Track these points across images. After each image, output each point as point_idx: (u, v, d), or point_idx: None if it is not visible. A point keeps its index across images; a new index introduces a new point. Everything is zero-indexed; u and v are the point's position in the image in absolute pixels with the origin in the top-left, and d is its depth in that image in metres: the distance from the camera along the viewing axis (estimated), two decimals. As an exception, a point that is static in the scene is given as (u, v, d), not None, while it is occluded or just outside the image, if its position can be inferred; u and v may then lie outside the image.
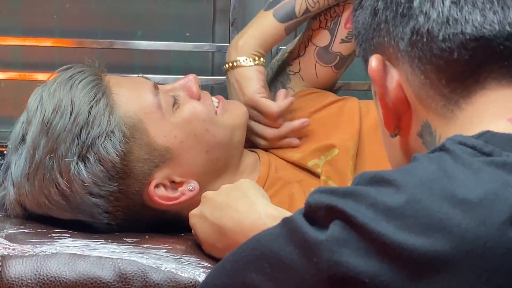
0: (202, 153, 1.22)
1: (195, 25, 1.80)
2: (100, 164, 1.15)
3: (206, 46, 1.76)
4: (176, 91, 1.27)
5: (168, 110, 1.22)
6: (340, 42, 1.42)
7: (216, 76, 1.76)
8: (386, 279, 0.57)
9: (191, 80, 1.28)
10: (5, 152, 1.55)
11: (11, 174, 1.21)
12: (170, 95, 1.25)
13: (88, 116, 1.16)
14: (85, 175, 1.14)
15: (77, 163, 1.15)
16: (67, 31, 1.76)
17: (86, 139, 1.15)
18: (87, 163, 1.15)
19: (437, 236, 0.57)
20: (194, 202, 1.16)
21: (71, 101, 1.18)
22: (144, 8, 1.79)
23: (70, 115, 1.16)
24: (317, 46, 1.43)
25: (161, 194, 1.19)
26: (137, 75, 1.65)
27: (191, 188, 1.20)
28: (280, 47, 1.66)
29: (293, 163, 1.33)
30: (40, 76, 1.69)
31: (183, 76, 1.30)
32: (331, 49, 1.43)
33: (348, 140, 1.32)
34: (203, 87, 1.73)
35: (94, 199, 1.15)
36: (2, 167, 1.26)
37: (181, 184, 1.20)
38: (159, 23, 1.80)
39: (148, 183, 1.18)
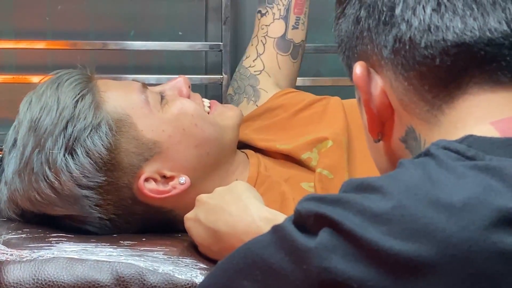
0: (191, 147, 1.23)
1: (188, 24, 1.79)
2: (88, 156, 1.17)
3: (199, 45, 1.75)
4: (165, 91, 1.28)
5: (156, 106, 1.24)
6: (292, 29, 1.46)
7: (210, 75, 1.76)
8: (374, 283, 0.57)
9: (179, 81, 1.30)
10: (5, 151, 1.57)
11: (4, 176, 1.22)
12: (158, 93, 1.27)
13: (74, 110, 1.19)
14: (73, 167, 1.16)
15: (64, 155, 1.17)
16: (60, 33, 1.75)
17: (72, 132, 1.18)
18: (74, 155, 1.17)
19: (423, 241, 0.57)
20: (187, 200, 1.17)
21: (57, 98, 1.20)
22: (136, 8, 1.78)
23: (56, 111, 1.19)
24: (274, 38, 1.47)
25: (151, 188, 1.19)
26: (130, 76, 1.69)
27: (182, 181, 1.20)
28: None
29: (283, 159, 1.33)
30: (34, 79, 1.67)
31: (176, 76, 1.31)
32: (286, 37, 1.47)
33: (340, 134, 1.32)
34: (197, 86, 1.75)
35: (83, 190, 1.17)
36: None
37: (172, 178, 1.21)
38: (152, 22, 1.79)
39: (137, 176, 1.19)
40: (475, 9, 0.68)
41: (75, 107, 1.19)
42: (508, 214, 0.57)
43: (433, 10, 0.69)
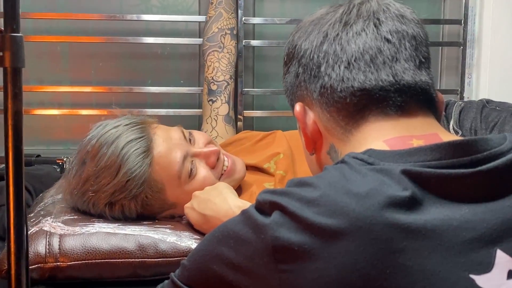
0: None
1: (187, 75, 1.79)
2: (121, 211, 1.10)
3: (194, 89, 1.75)
4: (200, 157, 1.15)
5: (185, 179, 1.12)
6: (232, 109, 1.57)
7: (201, 109, 1.73)
8: (309, 246, 0.57)
9: (214, 153, 1.16)
10: (64, 160, 1.56)
11: (68, 178, 1.13)
12: (190, 164, 1.13)
13: (125, 184, 1.07)
14: (107, 215, 1.10)
15: (105, 205, 1.09)
16: (101, 81, 1.75)
17: (117, 196, 1.08)
18: (111, 208, 1.10)
19: (340, 217, 0.57)
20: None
21: (120, 166, 1.07)
22: (152, 65, 1.78)
23: (116, 175, 1.07)
24: (223, 116, 1.56)
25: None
26: (148, 110, 1.69)
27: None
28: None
29: (252, 169, 1.31)
30: (83, 112, 1.69)
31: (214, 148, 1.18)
32: (229, 114, 1.57)
33: (286, 150, 1.31)
34: (193, 116, 1.76)
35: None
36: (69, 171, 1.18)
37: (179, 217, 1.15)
38: (163, 74, 1.79)
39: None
40: (372, 67, 0.68)
41: (127, 181, 1.07)
42: (395, 199, 0.57)
43: (345, 67, 0.69)
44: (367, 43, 0.68)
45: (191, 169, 1.13)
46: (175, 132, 1.15)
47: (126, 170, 1.07)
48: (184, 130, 1.18)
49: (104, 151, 1.08)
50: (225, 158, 1.20)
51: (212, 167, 1.16)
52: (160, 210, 1.14)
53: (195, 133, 1.20)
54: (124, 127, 1.10)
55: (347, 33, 0.69)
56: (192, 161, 1.14)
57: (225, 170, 1.19)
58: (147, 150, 1.09)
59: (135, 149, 1.08)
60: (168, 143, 1.12)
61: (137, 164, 1.07)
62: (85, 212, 1.12)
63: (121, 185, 1.07)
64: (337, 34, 0.70)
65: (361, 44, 0.69)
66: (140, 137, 1.09)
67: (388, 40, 0.69)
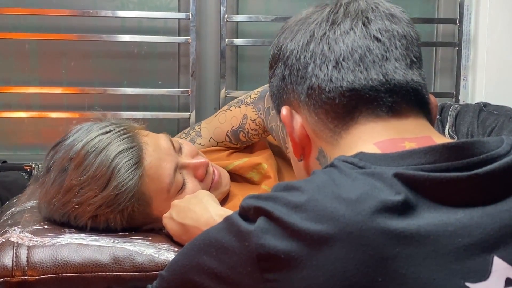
0: None
1: (165, 76, 1.79)
2: (106, 223, 1.09)
3: (173, 91, 1.74)
4: (189, 169, 1.15)
5: (173, 194, 1.11)
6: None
7: (181, 112, 1.76)
8: (296, 254, 0.58)
9: (203, 164, 1.16)
10: (33, 166, 1.54)
11: (45, 185, 1.10)
12: (182, 177, 1.13)
13: (115, 197, 1.06)
14: (89, 226, 1.08)
15: (88, 218, 1.07)
16: (73, 82, 1.74)
17: (103, 209, 1.06)
18: (95, 220, 1.08)
19: (329, 223, 0.57)
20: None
21: (110, 178, 1.05)
22: (128, 64, 1.78)
23: (105, 188, 1.05)
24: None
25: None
26: (124, 113, 1.68)
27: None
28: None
29: (235, 175, 1.31)
30: (53, 115, 1.68)
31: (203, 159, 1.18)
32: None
33: (269, 158, 1.31)
34: (171, 120, 1.76)
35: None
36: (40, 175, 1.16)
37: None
38: (139, 75, 1.79)
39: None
40: (361, 66, 0.69)
41: (117, 194, 1.05)
42: (387, 204, 0.58)
43: (333, 67, 0.70)
44: (356, 42, 0.69)
45: (184, 184, 1.12)
46: (164, 141, 1.14)
47: (117, 183, 1.05)
48: (172, 139, 1.17)
49: (92, 160, 1.05)
50: (215, 173, 1.19)
51: (201, 180, 1.16)
52: (141, 224, 1.13)
53: (182, 142, 1.20)
54: (114, 134, 1.08)
55: (334, 32, 0.70)
56: (181, 173, 1.14)
57: (212, 182, 1.19)
58: (139, 162, 1.07)
59: (127, 161, 1.06)
60: (158, 153, 1.11)
61: (128, 177, 1.06)
62: (62, 223, 1.10)
63: (110, 199, 1.05)
64: (324, 33, 0.71)
65: (349, 43, 0.69)
66: (131, 147, 1.07)
67: (377, 39, 0.70)
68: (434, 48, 1.90)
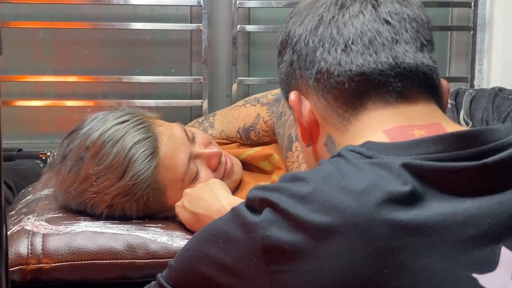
0: None
1: (178, 64, 1.79)
2: (122, 212, 1.10)
3: (185, 78, 1.74)
4: (202, 158, 1.16)
5: (187, 183, 1.13)
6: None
7: (193, 100, 1.76)
8: (301, 245, 0.58)
9: (216, 155, 1.17)
10: (48, 154, 1.56)
11: (61, 173, 1.12)
12: (195, 167, 1.14)
13: (132, 186, 1.07)
14: (104, 215, 1.09)
15: (105, 207, 1.09)
16: (86, 70, 1.74)
17: (120, 198, 1.08)
18: (111, 209, 1.10)
19: (335, 214, 0.57)
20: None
21: (127, 168, 1.06)
22: (141, 52, 1.78)
23: (121, 177, 1.06)
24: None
25: None
26: (137, 101, 1.68)
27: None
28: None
29: (247, 165, 1.31)
30: (68, 103, 1.69)
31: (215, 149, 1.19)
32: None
33: (279, 150, 1.31)
34: (184, 108, 1.76)
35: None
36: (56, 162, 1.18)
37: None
38: (152, 63, 1.78)
39: None
40: (371, 49, 0.69)
41: (133, 184, 1.07)
42: (394, 195, 0.58)
43: (342, 50, 0.69)
44: (365, 25, 0.69)
45: (197, 173, 1.14)
46: (178, 131, 1.15)
47: (134, 174, 1.07)
48: (186, 128, 1.18)
49: (108, 150, 1.07)
50: (227, 162, 1.20)
51: (214, 170, 1.17)
52: (156, 212, 1.14)
53: (195, 132, 1.21)
54: (130, 124, 1.10)
55: (343, 15, 0.70)
56: (195, 162, 1.15)
57: (224, 171, 1.19)
58: (154, 152, 1.09)
59: (143, 151, 1.08)
60: (172, 142, 1.12)
61: (144, 167, 1.07)
62: (79, 211, 1.11)
63: (127, 188, 1.07)
64: (333, 17, 0.70)
65: (358, 26, 0.69)
66: (147, 137, 1.09)
67: (387, 22, 0.69)
68: (449, 32, 1.88)
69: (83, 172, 1.08)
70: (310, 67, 0.72)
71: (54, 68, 1.75)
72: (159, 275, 0.70)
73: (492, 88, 1.38)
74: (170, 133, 1.13)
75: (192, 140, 1.18)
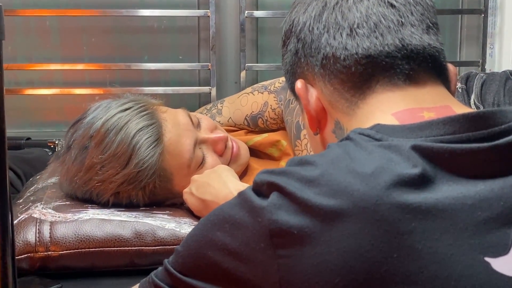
0: None
1: (185, 50, 1.78)
2: (129, 199, 1.10)
3: (193, 65, 1.73)
4: (208, 143, 1.16)
5: (194, 169, 1.12)
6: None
7: (201, 87, 1.75)
8: (309, 229, 0.57)
9: (221, 140, 1.16)
10: (56, 143, 1.56)
11: (66, 161, 1.12)
12: (201, 152, 1.14)
13: (137, 174, 1.07)
14: (110, 203, 1.09)
15: (110, 195, 1.09)
16: (94, 58, 1.74)
17: (125, 185, 1.07)
18: (117, 196, 1.09)
19: (343, 198, 0.56)
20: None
21: (131, 156, 1.06)
22: (149, 39, 1.77)
23: (126, 165, 1.06)
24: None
25: None
26: (145, 88, 1.67)
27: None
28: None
29: (255, 151, 1.31)
30: (76, 91, 1.68)
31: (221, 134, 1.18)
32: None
33: (285, 138, 1.30)
34: (192, 95, 1.75)
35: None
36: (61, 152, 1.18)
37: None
38: (160, 50, 1.78)
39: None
40: (376, 32, 0.68)
41: (138, 172, 1.06)
42: (404, 177, 0.56)
43: (347, 35, 0.69)
44: (370, 8, 0.68)
45: (203, 158, 1.13)
46: (182, 117, 1.14)
47: (138, 161, 1.06)
48: (191, 114, 1.17)
49: (112, 138, 1.07)
50: (232, 144, 1.19)
51: (220, 155, 1.16)
52: (164, 199, 1.14)
53: (200, 117, 1.20)
54: (133, 111, 1.09)
55: (347, 1, 0.70)
56: (200, 148, 1.14)
57: (231, 155, 1.18)
58: (158, 138, 1.08)
59: (147, 138, 1.07)
60: (177, 129, 1.12)
61: (148, 154, 1.06)
62: (85, 200, 1.11)
63: (132, 176, 1.07)
64: (337, 2, 0.70)
65: (363, 10, 0.68)
66: (150, 124, 1.08)
67: (392, 5, 0.69)
68: (460, 15, 1.85)
69: (88, 161, 1.08)
70: (315, 53, 0.71)
71: (62, 56, 1.74)
72: (165, 260, 0.69)
73: (503, 71, 1.36)
74: (174, 119, 1.12)
75: (197, 125, 1.17)
